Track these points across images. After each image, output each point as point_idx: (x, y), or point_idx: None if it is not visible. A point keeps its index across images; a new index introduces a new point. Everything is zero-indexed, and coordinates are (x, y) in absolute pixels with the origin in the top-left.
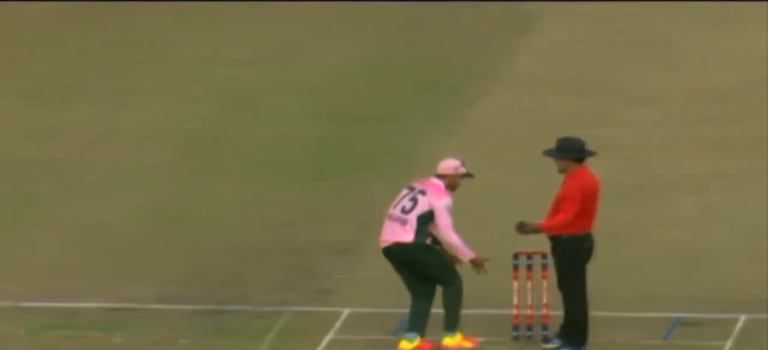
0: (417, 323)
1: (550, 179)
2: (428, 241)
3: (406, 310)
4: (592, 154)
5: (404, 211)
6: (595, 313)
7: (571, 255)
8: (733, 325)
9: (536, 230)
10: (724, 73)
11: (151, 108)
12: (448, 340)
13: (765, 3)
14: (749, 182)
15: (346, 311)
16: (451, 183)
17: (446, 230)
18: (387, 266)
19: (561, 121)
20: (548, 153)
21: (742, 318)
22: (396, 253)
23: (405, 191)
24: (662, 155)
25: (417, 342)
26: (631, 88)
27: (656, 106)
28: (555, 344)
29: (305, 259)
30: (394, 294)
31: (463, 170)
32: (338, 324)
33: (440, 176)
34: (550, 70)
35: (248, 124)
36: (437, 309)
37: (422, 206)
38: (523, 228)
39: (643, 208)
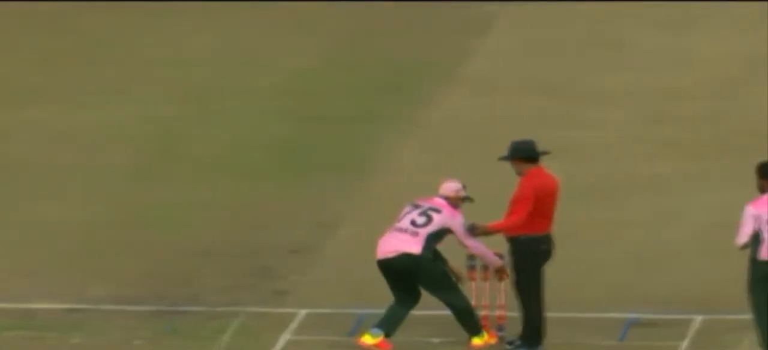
0: (388, 323)
1: (508, 180)
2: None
3: (362, 311)
4: (543, 154)
5: (415, 225)
6: (551, 314)
7: (527, 256)
8: (688, 326)
9: (487, 232)
10: (681, 74)
11: (110, 108)
12: (476, 341)
13: (720, 4)
14: (705, 183)
15: (303, 312)
16: (456, 205)
17: (473, 244)
18: (343, 267)
19: (518, 122)
20: (502, 158)
21: (698, 318)
22: (402, 264)
23: (409, 208)
24: (619, 156)
25: (380, 339)
26: (589, 89)
27: (613, 107)
28: (516, 344)
29: (261, 260)
30: (351, 296)
31: (463, 193)
32: (294, 325)
33: (443, 197)
34: (507, 71)
35: (205, 124)
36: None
37: (437, 224)
38: (473, 230)
39: (600, 209)
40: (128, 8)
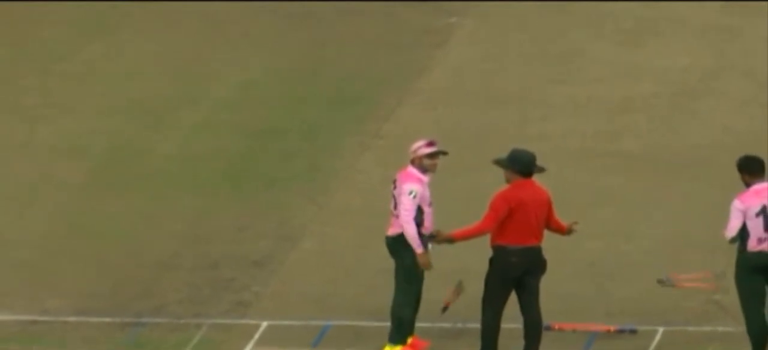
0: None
1: (467, 191)
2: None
3: (325, 323)
4: (527, 168)
5: (395, 208)
6: (510, 325)
7: (492, 265)
8: (651, 337)
9: (449, 239)
10: (640, 86)
11: (67, 122)
12: (388, 349)
13: (674, 16)
14: (665, 194)
15: (265, 324)
16: (422, 165)
17: (405, 216)
18: (306, 278)
19: (477, 133)
20: (495, 161)
21: (660, 330)
22: (387, 246)
23: (392, 186)
24: (576, 168)
25: (410, 340)
26: (547, 101)
27: (570, 119)
28: None
29: (223, 272)
30: (313, 307)
31: (422, 151)
32: (257, 337)
33: (411, 161)
34: (466, 83)
35: (158, 137)
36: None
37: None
38: (434, 237)
39: None
40: (82, 22)
